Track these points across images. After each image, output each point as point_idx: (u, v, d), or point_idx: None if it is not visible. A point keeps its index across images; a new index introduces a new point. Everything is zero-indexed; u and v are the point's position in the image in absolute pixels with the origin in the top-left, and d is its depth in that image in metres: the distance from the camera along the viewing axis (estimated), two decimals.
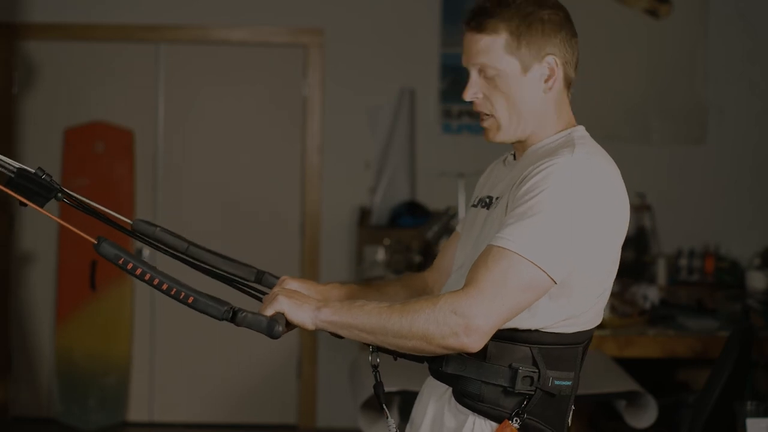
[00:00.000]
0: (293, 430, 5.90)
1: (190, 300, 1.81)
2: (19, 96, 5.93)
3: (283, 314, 1.88)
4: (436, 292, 2.19)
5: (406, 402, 3.61)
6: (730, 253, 5.74)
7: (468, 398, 1.95)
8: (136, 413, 5.92)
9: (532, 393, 1.91)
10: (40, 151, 5.87)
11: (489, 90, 1.96)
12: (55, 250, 5.90)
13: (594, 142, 1.98)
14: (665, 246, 5.75)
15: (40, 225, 5.90)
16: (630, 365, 4.05)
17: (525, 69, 1.94)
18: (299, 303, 1.89)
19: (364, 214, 5.83)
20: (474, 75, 1.98)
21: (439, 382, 2.04)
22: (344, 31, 5.92)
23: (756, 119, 5.95)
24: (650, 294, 4.57)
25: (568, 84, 2.00)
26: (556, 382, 1.92)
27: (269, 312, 1.88)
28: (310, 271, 5.87)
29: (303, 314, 1.88)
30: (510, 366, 1.90)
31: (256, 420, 5.89)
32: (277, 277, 2.14)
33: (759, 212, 5.92)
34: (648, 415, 3.57)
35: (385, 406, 2.01)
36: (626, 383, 3.56)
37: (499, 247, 1.81)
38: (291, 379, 5.91)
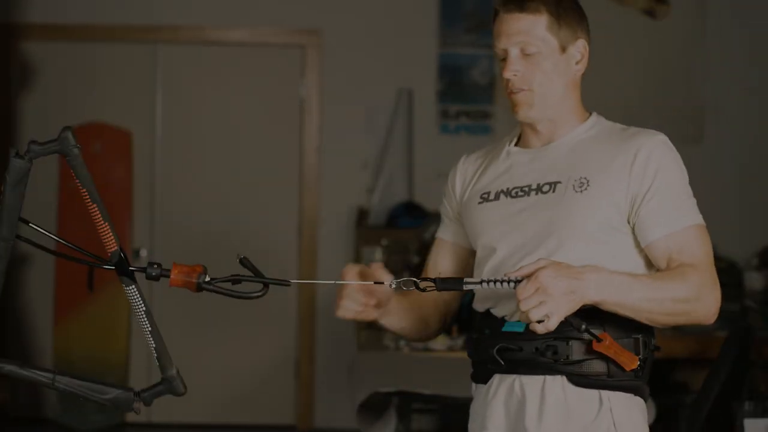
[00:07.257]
0: (291, 431, 5.91)
1: None
2: (18, 96, 5.93)
3: None
4: (438, 302, 2.20)
5: (403, 402, 3.61)
6: (727, 254, 5.74)
7: (593, 377, 1.95)
8: (134, 413, 5.91)
9: (647, 357, 2.00)
10: None
11: (527, 67, 2.05)
12: None
13: None
14: None
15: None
16: None
17: (563, 48, 2.08)
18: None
19: (362, 214, 5.83)
20: (514, 53, 2.05)
21: (501, 383, 2.01)
22: (342, 32, 5.92)
23: (754, 119, 5.95)
24: None
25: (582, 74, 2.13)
26: (653, 345, 2.03)
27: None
28: (307, 271, 5.87)
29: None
30: (631, 337, 1.97)
31: (255, 420, 5.88)
32: None
33: (757, 212, 5.92)
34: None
35: None
36: None
37: (695, 225, 2.09)
38: (289, 379, 5.90)
